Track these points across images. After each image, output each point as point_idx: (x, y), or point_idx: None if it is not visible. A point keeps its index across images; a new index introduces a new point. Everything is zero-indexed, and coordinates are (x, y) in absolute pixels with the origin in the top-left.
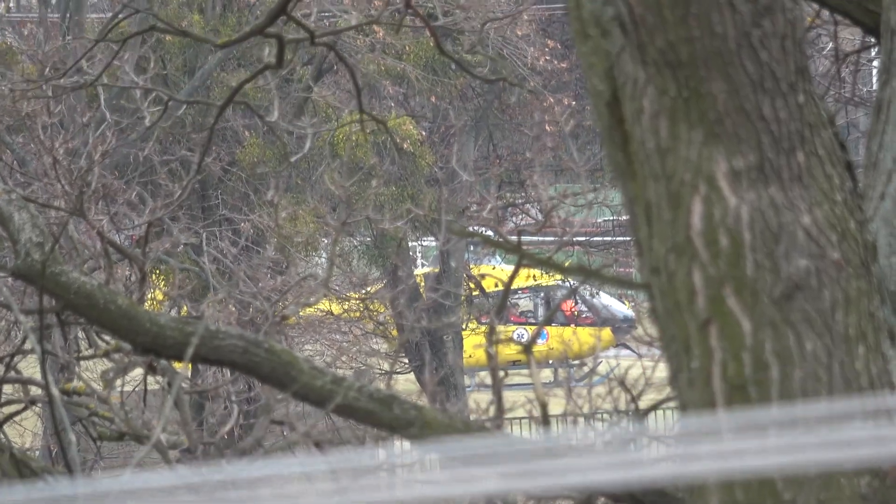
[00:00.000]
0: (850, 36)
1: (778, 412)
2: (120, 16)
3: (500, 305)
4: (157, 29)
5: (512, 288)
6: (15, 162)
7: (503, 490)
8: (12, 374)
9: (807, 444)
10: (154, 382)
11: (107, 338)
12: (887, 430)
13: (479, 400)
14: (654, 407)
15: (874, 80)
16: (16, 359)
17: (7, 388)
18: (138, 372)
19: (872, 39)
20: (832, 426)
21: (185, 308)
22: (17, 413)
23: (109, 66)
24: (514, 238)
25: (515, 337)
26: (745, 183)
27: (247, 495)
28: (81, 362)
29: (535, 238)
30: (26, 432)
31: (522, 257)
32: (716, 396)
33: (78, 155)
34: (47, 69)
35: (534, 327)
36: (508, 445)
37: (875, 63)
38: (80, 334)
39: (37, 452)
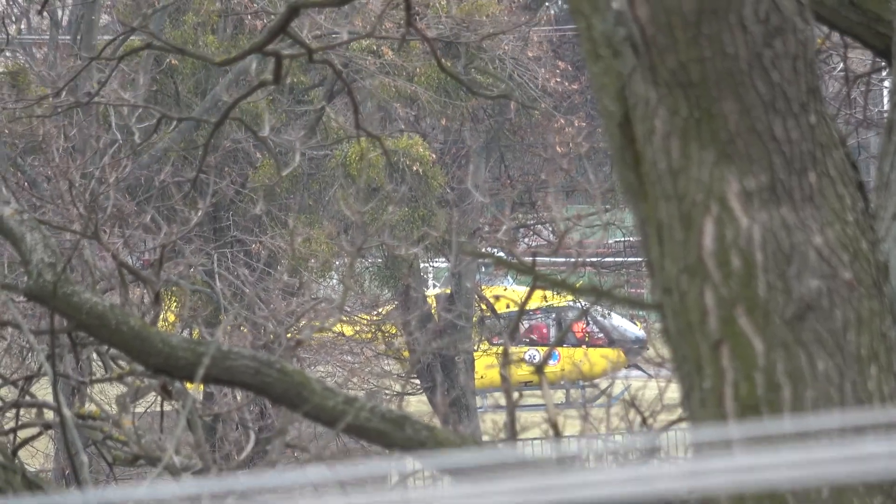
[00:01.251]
0: (861, 57)
1: (791, 425)
2: (121, 36)
3: (514, 328)
4: (154, 47)
5: (525, 309)
6: (26, 184)
7: None
8: (27, 397)
9: (820, 459)
10: (169, 406)
11: (121, 362)
12: None
13: (493, 420)
14: (666, 427)
15: (885, 101)
16: (25, 382)
17: (22, 412)
18: (153, 395)
19: (882, 62)
20: (845, 440)
21: (196, 331)
22: (33, 438)
23: (108, 85)
24: (526, 259)
25: (527, 358)
26: (756, 203)
27: None
28: (95, 385)
29: (546, 259)
30: (38, 454)
31: (536, 279)
32: (728, 417)
33: (91, 178)
34: (58, 90)
35: (545, 348)
36: (520, 463)
37: (885, 84)
38: (95, 357)
39: (49, 474)
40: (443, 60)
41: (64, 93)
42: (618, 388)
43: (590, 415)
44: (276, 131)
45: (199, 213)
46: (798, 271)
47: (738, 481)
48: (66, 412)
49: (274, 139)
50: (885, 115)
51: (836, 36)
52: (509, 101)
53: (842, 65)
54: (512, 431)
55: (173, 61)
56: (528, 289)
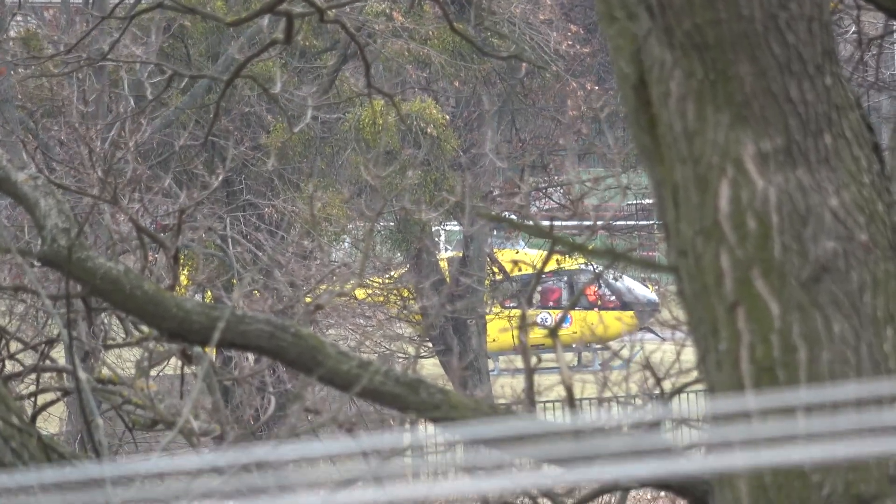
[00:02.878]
0: (872, 20)
1: (808, 395)
2: None
3: (531, 291)
4: (166, 6)
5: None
6: (37, 147)
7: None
8: (46, 363)
9: (837, 429)
10: (189, 370)
11: (140, 327)
12: None
13: (505, 384)
14: (680, 390)
15: None
16: (45, 347)
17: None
18: (172, 360)
19: None
20: (864, 411)
21: (209, 294)
22: (52, 403)
23: (120, 45)
24: (543, 223)
25: (539, 321)
26: (772, 165)
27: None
28: (114, 350)
29: (559, 223)
30: (51, 417)
31: (554, 242)
32: (744, 379)
33: (109, 142)
34: (70, 47)
35: (557, 311)
36: (536, 428)
37: None
38: (115, 322)
39: (61, 438)
40: (453, 21)
41: (76, 53)
42: (631, 350)
43: (605, 377)
44: (288, 92)
45: (219, 178)
46: (814, 233)
47: (755, 452)
48: (82, 375)
49: (286, 96)
50: None
51: None
52: (521, 64)
53: (853, 27)
54: (530, 396)
55: (186, 23)
56: (546, 252)
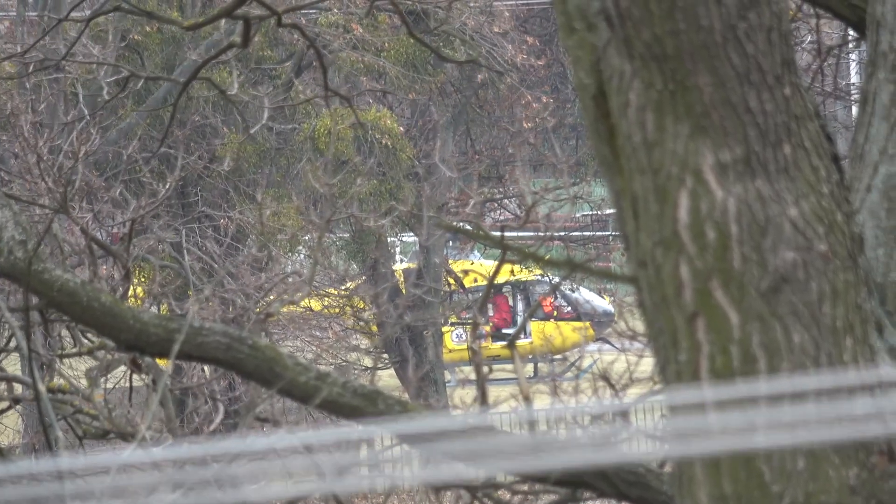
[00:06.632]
0: (829, 30)
1: (769, 386)
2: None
3: (483, 300)
4: (123, 9)
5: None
6: None
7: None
8: None
9: (795, 420)
10: (138, 379)
11: (91, 336)
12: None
13: (462, 395)
14: (638, 400)
15: (852, 73)
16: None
17: None
18: (122, 369)
19: (853, 33)
20: (827, 401)
21: (165, 306)
22: (1, 412)
23: (76, 50)
24: (496, 233)
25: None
26: (731, 176)
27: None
28: (65, 360)
29: (514, 233)
30: (7, 430)
31: (506, 251)
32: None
33: (60, 153)
34: (25, 49)
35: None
36: (492, 438)
37: (853, 56)
38: (65, 332)
39: (17, 450)
40: (411, 28)
41: (32, 55)
42: (587, 361)
43: (559, 388)
44: (245, 94)
45: (169, 187)
46: (773, 243)
47: (714, 446)
48: (41, 387)
49: (243, 103)
50: (854, 87)
51: (806, 7)
52: (476, 75)
53: (809, 37)
54: (483, 403)
55: (135, 37)
56: (497, 262)
